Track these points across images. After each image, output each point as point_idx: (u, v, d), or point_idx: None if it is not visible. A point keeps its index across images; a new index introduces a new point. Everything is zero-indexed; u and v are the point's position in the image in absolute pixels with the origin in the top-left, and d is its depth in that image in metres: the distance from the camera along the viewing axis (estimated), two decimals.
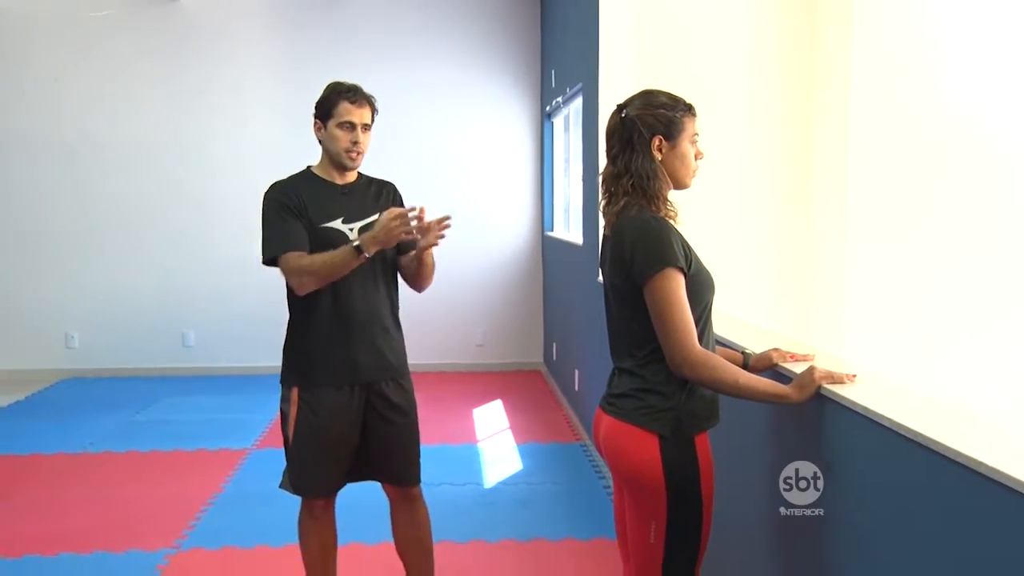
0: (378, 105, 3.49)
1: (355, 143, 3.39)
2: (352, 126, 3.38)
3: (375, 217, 3.39)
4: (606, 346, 2.70)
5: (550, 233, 8.76)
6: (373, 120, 3.47)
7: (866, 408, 2.21)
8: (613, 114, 2.59)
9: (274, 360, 8.93)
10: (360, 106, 3.41)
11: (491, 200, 9.05)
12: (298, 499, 4.85)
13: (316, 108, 3.45)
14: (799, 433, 2.67)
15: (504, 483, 5.70)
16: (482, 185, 9.03)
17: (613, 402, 2.57)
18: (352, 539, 4.52)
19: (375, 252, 3.22)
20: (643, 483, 2.48)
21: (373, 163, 3.80)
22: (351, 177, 3.51)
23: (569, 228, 8.03)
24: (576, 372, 6.98)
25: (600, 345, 3.03)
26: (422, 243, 3.31)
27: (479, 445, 6.52)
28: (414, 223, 3.21)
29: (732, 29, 4.53)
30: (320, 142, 3.46)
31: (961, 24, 3.49)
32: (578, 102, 6.88)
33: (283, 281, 3.43)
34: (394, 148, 7.03)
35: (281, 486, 3.53)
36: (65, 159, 8.79)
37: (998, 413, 2.48)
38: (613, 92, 5.31)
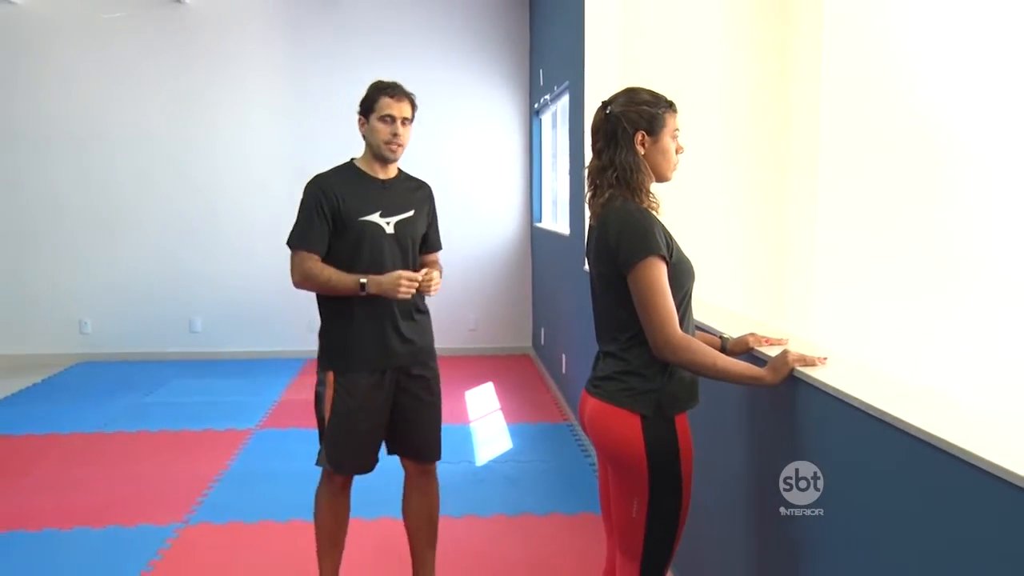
0: (417, 102, 3.50)
1: (395, 135, 3.40)
2: (392, 119, 3.39)
3: (411, 213, 3.47)
4: (592, 331, 2.70)
5: (538, 224, 8.76)
6: (413, 116, 3.47)
7: (836, 389, 2.22)
8: (598, 111, 2.59)
9: (276, 345, 9.07)
10: (399, 100, 3.42)
11: (483, 193, 9.05)
12: (302, 476, 4.84)
13: (360, 105, 3.46)
14: (774, 414, 2.68)
15: (495, 461, 5.71)
16: (474, 179, 9.03)
17: (598, 384, 2.58)
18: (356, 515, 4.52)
19: (372, 294, 3.30)
20: (626, 461, 2.49)
21: None
22: (392, 172, 3.52)
23: (556, 219, 8.03)
24: (563, 356, 6.98)
25: (586, 330, 3.04)
26: (425, 293, 3.42)
27: (471, 425, 6.53)
28: (413, 289, 3.31)
29: (710, 31, 4.53)
30: (363, 137, 3.46)
31: (925, 27, 3.50)
32: (565, 100, 6.87)
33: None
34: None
35: (318, 463, 3.51)
36: (78, 153, 8.76)
37: (960, 393, 2.49)
38: (598, 90, 5.31)
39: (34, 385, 7.95)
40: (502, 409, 7.00)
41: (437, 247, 3.66)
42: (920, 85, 3.39)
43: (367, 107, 3.43)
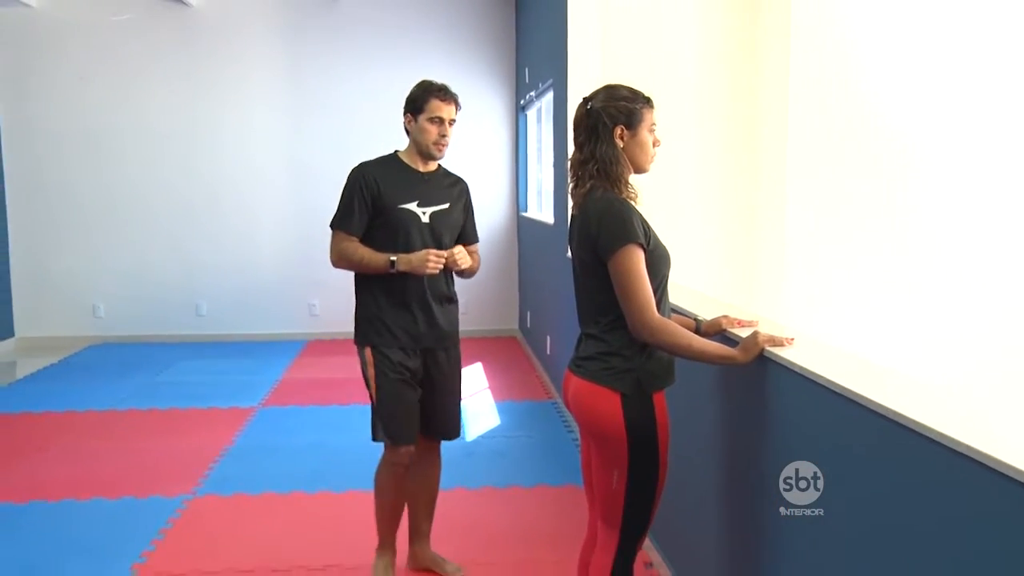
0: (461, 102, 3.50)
1: (443, 136, 3.41)
2: (441, 121, 3.40)
3: (446, 205, 3.48)
4: (574, 314, 2.70)
5: (524, 213, 8.75)
6: (456, 116, 3.47)
7: (802, 368, 2.24)
8: (580, 106, 2.58)
9: (277, 328, 9.05)
10: (448, 103, 3.41)
11: (472, 184, 8.85)
12: (303, 450, 4.83)
13: (407, 103, 3.45)
14: (745, 391, 2.69)
15: (484, 436, 5.72)
16: (464, 171, 8.80)
17: (580, 364, 2.58)
18: (354, 487, 4.53)
19: (402, 271, 3.31)
20: (607, 436, 2.49)
21: (372, 148, 3.79)
22: (432, 167, 3.52)
23: (541, 209, 8.02)
24: (548, 337, 6.99)
25: (569, 313, 3.04)
26: (453, 269, 3.44)
27: (462, 403, 6.50)
28: (441, 264, 3.34)
29: (685, 32, 4.52)
30: (409, 133, 3.47)
31: (887, 25, 3.50)
32: (549, 96, 6.86)
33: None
34: (388, 137, 6.95)
35: (375, 439, 3.49)
36: (91, 147, 8.73)
37: (919, 372, 2.50)
38: (580, 87, 5.30)
39: (51, 365, 7.92)
40: (491, 387, 7.00)
41: (474, 239, 3.65)
42: (882, 74, 3.39)
43: (417, 107, 3.42)
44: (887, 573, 1.90)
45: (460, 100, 3.47)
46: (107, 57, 8.66)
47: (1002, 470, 1.51)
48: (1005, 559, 1.52)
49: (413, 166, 3.47)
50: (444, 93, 3.42)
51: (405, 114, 3.45)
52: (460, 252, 3.41)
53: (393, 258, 3.31)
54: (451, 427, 3.63)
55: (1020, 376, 2.52)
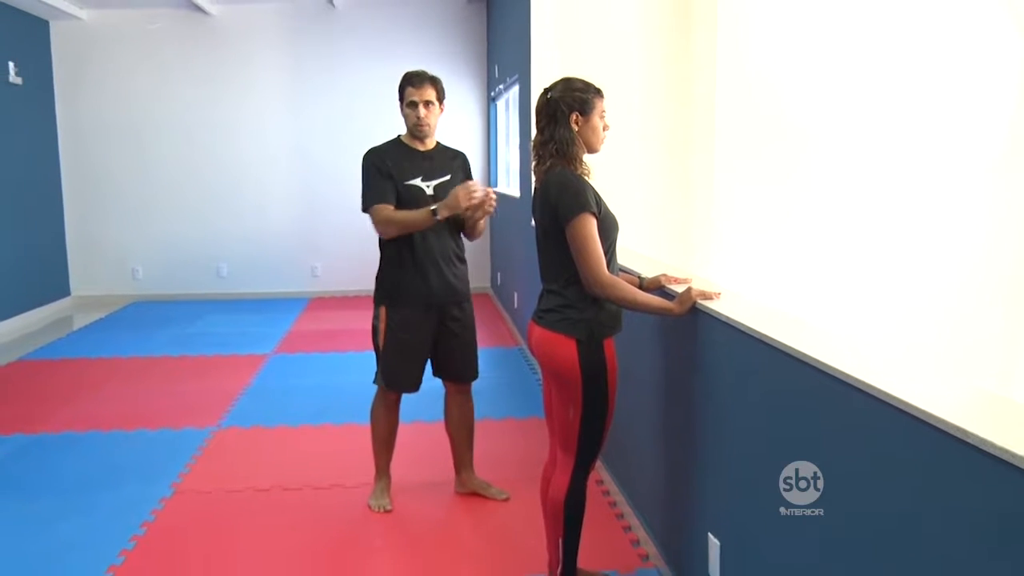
0: (443, 86, 3.38)
1: (420, 117, 3.29)
2: (415, 104, 3.29)
3: (448, 177, 3.34)
4: (537, 274, 2.66)
5: (495, 188, 8.68)
6: (441, 96, 3.35)
7: (728, 317, 2.23)
8: (540, 96, 2.54)
9: (286, 287, 9.05)
10: (420, 87, 3.30)
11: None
12: (310, 391, 4.77)
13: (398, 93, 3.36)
14: (680, 338, 2.67)
15: None
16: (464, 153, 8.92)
17: (542, 316, 2.55)
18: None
19: (446, 216, 3.17)
20: (565, 376, 2.48)
21: (365, 135, 3.70)
22: (431, 145, 3.40)
23: (509, 184, 7.94)
24: (515, 294, 6.96)
25: (533, 273, 3.01)
26: (477, 215, 3.25)
27: (477, 350, 6.47)
28: (479, 195, 3.15)
29: (630, 32, 4.47)
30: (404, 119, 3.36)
31: (799, 23, 3.46)
32: (515, 89, 6.78)
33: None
34: (377, 124, 6.85)
35: (375, 382, 3.44)
36: (131, 136, 8.70)
37: (829, 320, 2.49)
38: (542, 81, 5.22)
39: (100, 319, 7.86)
40: None
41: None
42: (792, 65, 3.36)
43: (400, 96, 3.34)
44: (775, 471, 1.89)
45: (441, 82, 3.36)
46: (143, 60, 8.65)
47: (883, 398, 1.51)
48: (910, 493, 1.51)
49: (413, 146, 3.37)
50: (416, 79, 3.32)
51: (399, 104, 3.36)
52: (491, 194, 3.23)
53: (433, 207, 3.16)
54: (469, 372, 3.51)
55: (911, 321, 2.52)
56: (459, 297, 3.40)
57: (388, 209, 3.23)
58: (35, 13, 8.09)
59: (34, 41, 8.25)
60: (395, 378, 3.38)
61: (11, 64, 7.67)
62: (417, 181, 3.30)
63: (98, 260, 8.83)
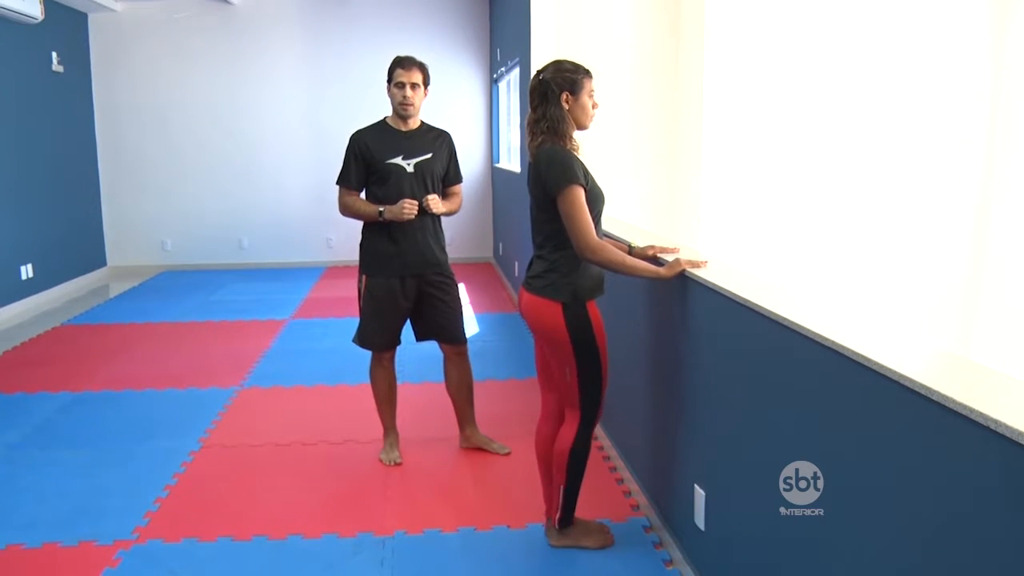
0: (430, 70, 3.37)
1: (405, 97, 3.27)
2: (402, 85, 3.27)
3: (429, 155, 3.34)
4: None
5: (497, 164, 8.63)
6: (426, 81, 3.33)
7: (713, 284, 2.22)
8: (534, 77, 2.52)
9: (303, 257, 9.08)
10: (407, 69, 3.28)
11: (456, 142, 8.83)
12: (325, 353, 4.77)
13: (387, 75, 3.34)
14: (669, 304, 2.67)
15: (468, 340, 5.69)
16: (449, 131, 8.84)
17: (530, 282, 2.54)
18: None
19: (388, 219, 3.23)
20: (555, 338, 2.48)
21: (375, 113, 3.65)
22: (413, 125, 3.38)
23: (510, 160, 7.90)
24: (516, 263, 6.95)
25: (531, 243, 3.01)
26: (429, 212, 3.30)
27: (462, 315, 6.49)
28: (413, 213, 3.22)
29: (622, 18, 4.42)
30: (390, 99, 3.34)
31: (784, 18, 3.42)
32: (516, 71, 6.71)
33: (330, 199, 3.32)
34: (385, 104, 6.81)
35: (353, 341, 3.46)
36: (161, 118, 8.67)
37: (800, 286, 2.49)
38: (541, 64, 5.17)
39: (133, 288, 7.87)
40: (471, 303, 6.94)
41: (457, 180, 3.50)
42: (783, 41, 3.33)
43: (388, 77, 3.32)
44: (757, 430, 1.90)
45: (428, 68, 3.34)
46: (172, 48, 8.59)
47: (852, 356, 1.51)
48: (874, 442, 1.52)
49: (396, 127, 3.35)
50: (406, 62, 3.30)
51: (386, 85, 3.34)
52: (433, 199, 3.28)
53: (381, 209, 3.24)
54: (455, 334, 3.49)
55: (880, 287, 2.52)
56: (437, 267, 3.40)
57: (351, 196, 3.33)
58: (75, 7, 8.13)
59: (74, 32, 8.24)
60: (367, 337, 3.42)
61: (54, 54, 7.71)
62: (398, 160, 3.29)
63: (131, 233, 8.84)
